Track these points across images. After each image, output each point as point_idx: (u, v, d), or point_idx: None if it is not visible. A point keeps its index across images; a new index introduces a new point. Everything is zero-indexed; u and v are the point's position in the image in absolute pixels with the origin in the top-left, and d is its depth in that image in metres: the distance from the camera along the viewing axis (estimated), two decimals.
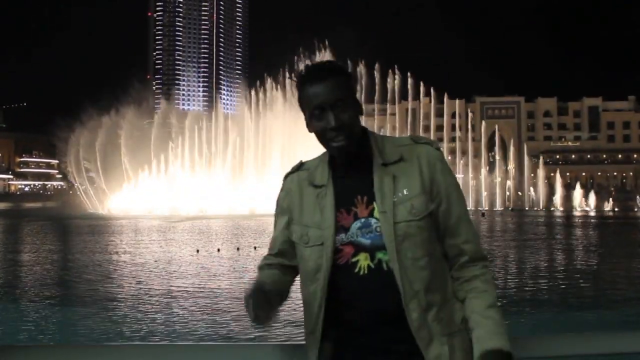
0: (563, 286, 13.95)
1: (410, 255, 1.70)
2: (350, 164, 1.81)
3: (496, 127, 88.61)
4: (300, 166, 1.92)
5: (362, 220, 1.75)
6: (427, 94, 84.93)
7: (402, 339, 1.70)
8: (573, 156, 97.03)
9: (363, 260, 1.73)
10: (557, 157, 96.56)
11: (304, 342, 1.87)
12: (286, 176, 1.94)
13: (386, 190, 1.74)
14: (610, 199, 58.69)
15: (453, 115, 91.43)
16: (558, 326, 9.65)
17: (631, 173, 65.94)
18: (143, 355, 2.01)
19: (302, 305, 1.84)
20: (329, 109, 1.74)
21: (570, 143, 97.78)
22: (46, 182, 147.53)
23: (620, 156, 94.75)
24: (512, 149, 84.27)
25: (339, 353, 1.76)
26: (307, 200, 1.83)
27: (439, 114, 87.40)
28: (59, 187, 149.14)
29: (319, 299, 1.77)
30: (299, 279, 1.90)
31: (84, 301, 12.16)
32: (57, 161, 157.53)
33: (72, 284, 14.59)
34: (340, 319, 1.76)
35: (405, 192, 1.74)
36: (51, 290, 13.81)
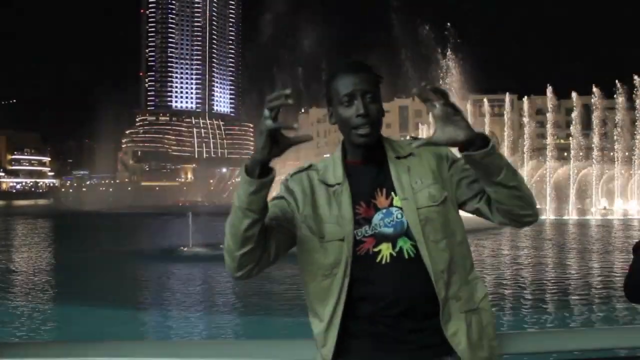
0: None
1: (431, 238, 1.75)
2: (365, 159, 1.85)
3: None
4: (309, 167, 1.92)
5: (384, 210, 1.79)
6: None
7: (416, 330, 1.74)
8: (565, 154, 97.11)
9: (385, 250, 1.76)
10: (549, 154, 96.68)
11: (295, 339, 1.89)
12: (291, 175, 1.92)
13: (404, 180, 1.80)
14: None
15: None
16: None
17: (622, 171, 66.11)
18: (140, 352, 2.03)
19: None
20: (359, 97, 1.78)
21: (562, 141, 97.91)
22: (38, 180, 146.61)
23: (612, 154, 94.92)
24: (503, 147, 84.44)
25: (355, 344, 1.78)
26: (320, 198, 1.83)
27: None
28: (51, 184, 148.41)
29: (337, 293, 1.76)
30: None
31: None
32: (49, 158, 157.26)
33: None
34: (355, 310, 1.77)
35: (420, 181, 1.81)
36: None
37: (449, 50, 70.34)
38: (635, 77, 58.44)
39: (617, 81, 60.85)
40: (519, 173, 1.74)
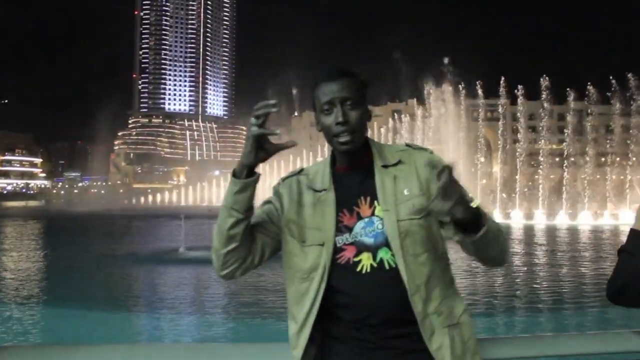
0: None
1: (411, 252, 1.74)
2: (352, 165, 1.85)
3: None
4: (299, 171, 1.93)
5: (366, 219, 1.79)
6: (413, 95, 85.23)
7: (400, 336, 1.74)
8: (557, 159, 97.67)
9: (366, 260, 1.76)
10: (542, 159, 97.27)
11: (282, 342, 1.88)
12: (283, 179, 1.94)
13: (388, 189, 1.79)
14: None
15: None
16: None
17: (614, 176, 66.60)
18: (131, 355, 2.02)
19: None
20: (338, 104, 1.78)
21: (554, 146, 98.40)
22: (29, 181, 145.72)
23: (603, 159, 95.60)
24: (497, 152, 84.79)
25: (336, 349, 1.78)
26: (306, 202, 1.85)
27: (424, 115, 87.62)
28: (42, 186, 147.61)
29: (312, 297, 1.77)
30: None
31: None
32: (40, 159, 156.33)
33: None
34: (338, 316, 1.78)
35: (405, 192, 1.79)
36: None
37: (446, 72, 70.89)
38: (629, 75, 58.73)
39: (610, 77, 61.13)
40: (502, 233, 1.75)
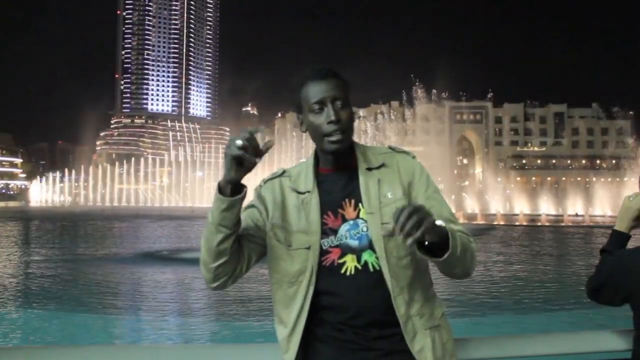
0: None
1: (395, 254, 1.76)
2: (336, 167, 1.85)
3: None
4: (282, 173, 1.93)
5: (351, 222, 1.80)
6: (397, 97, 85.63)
7: (383, 337, 1.76)
8: (539, 161, 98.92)
9: (350, 262, 1.77)
10: (524, 161, 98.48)
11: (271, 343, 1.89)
12: (264, 181, 1.93)
13: (372, 192, 1.80)
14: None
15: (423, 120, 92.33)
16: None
17: (594, 178, 67.52)
18: (115, 356, 2.01)
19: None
20: (330, 104, 1.78)
21: (536, 148, 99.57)
22: (9, 182, 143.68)
23: (584, 162, 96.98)
24: (480, 154, 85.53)
25: (320, 350, 1.79)
26: (290, 205, 1.84)
27: (407, 117, 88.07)
28: (23, 186, 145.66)
29: (301, 301, 1.78)
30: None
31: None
32: (20, 160, 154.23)
33: None
34: (321, 317, 1.79)
35: (389, 195, 1.80)
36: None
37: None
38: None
39: (596, 104, 62.45)
40: (468, 252, 1.73)
